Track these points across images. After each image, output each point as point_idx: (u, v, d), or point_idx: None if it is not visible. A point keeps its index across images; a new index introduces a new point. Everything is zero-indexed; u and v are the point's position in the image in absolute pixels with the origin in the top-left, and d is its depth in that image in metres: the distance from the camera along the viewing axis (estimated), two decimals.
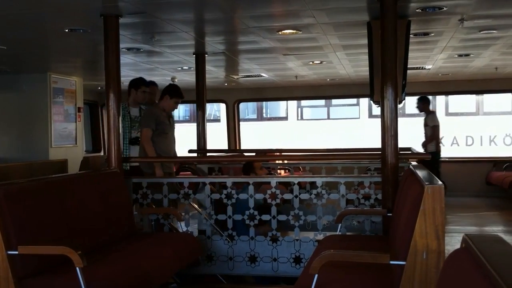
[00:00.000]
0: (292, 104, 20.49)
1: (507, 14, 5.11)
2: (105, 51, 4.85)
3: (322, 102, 20.17)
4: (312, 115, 21.26)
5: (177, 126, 6.62)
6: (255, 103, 20.64)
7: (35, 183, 3.84)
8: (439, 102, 19.09)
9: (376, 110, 21.44)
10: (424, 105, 9.59)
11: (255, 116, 22.09)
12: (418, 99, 9.69)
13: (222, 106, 20.40)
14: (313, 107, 21.09)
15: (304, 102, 20.35)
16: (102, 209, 4.29)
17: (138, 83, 6.30)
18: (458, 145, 18.68)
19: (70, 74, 9.09)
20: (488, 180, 10.02)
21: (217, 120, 20.85)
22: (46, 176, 4.49)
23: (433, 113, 9.77)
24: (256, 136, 19.21)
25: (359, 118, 20.13)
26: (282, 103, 20.97)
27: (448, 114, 19.05)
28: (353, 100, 19.61)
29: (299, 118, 21.15)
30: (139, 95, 6.26)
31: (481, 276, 1.28)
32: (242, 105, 21.19)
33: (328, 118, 20.67)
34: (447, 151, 17.47)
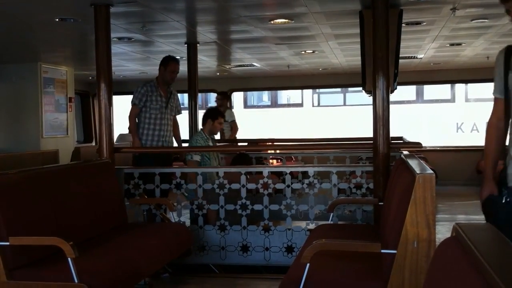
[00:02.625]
0: (308, 90, 20.21)
1: (498, 2, 5.11)
2: (96, 41, 4.81)
3: (338, 88, 19.86)
4: (328, 102, 20.90)
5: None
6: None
7: (26, 174, 3.82)
8: (458, 89, 18.94)
9: (394, 95, 21.49)
10: (223, 101, 9.72)
11: (269, 103, 21.83)
12: (218, 93, 9.92)
13: (235, 94, 20.38)
14: (329, 93, 20.74)
15: (321, 89, 19.96)
16: (94, 199, 4.28)
17: (216, 114, 6.18)
18: (478, 132, 18.35)
19: (61, 64, 9.03)
20: (478, 169, 10.06)
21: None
22: (37, 167, 4.47)
23: (230, 109, 10.16)
24: (270, 123, 19.09)
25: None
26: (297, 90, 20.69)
27: (467, 100, 18.90)
28: None
29: (315, 104, 20.90)
30: (216, 126, 6.16)
31: (471, 264, 1.29)
32: (250, 92, 20.96)
33: (344, 104, 20.38)
34: (466, 138, 17.34)
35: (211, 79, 10.69)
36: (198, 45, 6.90)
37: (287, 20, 5.64)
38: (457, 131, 18.96)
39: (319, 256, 2.94)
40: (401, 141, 6.66)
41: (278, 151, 8.53)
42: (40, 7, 4.99)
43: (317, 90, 20.22)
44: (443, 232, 5.42)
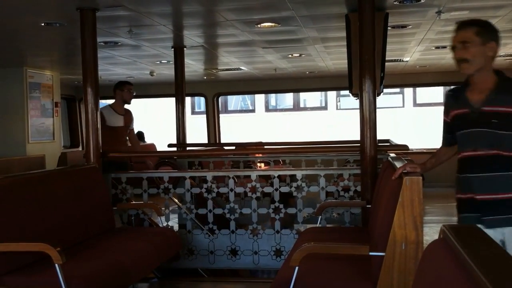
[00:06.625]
0: (332, 93, 19.92)
1: (484, 6, 5.17)
2: (82, 45, 4.79)
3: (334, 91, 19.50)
4: (352, 105, 20.72)
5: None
6: (291, 94, 20.11)
7: (13, 180, 3.80)
8: None
9: (421, 98, 20.86)
10: None
11: (291, 106, 21.61)
12: None
13: (256, 97, 20.16)
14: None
15: (343, 91, 19.57)
16: (81, 204, 4.26)
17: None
18: None
19: (47, 69, 8.96)
20: None
21: (250, 110, 20.64)
22: (24, 172, 4.44)
23: None
24: (293, 126, 18.95)
25: (403, 107, 19.56)
26: (320, 93, 20.37)
27: None
28: (396, 89, 18.35)
29: (339, 107, 20.71)
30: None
31: (458, 266, 1.30)
32: (271, 95, 20.71)
33: None
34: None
35: (198, 83, 10.67)
36: (185, 49, 6.90)
37: (273, 24, 5.64)
38: None
39: (307, 259, 2.94)
40: (388, 144, 6.69)
41: (266, 155, 8.53)
42: (25, 12, 4.95)
43: (341, 93, 20.00)
44: (430, 234, 5.45)
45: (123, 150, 6.11)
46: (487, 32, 2.83)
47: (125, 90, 6.40)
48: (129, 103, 6.49)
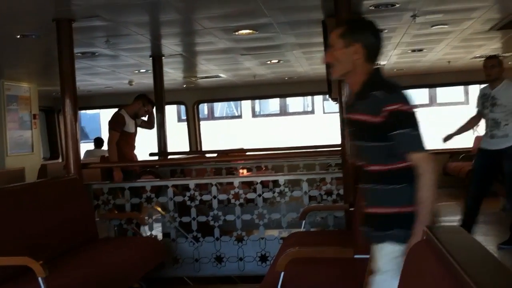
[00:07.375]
0: (318, 97, 19.90)
1: (457, 8, 5.25)
2: (59, 56, 4.75)
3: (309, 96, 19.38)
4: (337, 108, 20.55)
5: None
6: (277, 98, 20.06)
7: None
8: (472, 91, 18.92)
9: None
10: None
11: (278, 111, 21.49)
12: None
13: (243, 102, 20.08)
14: None
15: (287, 97, 19.60)
16: (63, 216, 4.22)
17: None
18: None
19: (24, 81, 8.87)
20: (445, 171, 10.25)
21: (237, 116, 20.59)
22: (3, 185, 4.39)
23: None
24: (280, 131, 18.89)
25: None
26: (306, 97, 20.33)
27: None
28: None
29: (326, 111, 20.67)
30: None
31: (442, 267, 1.32)
32: (257, 101, 20.53)
33: None
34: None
35: (178, 91, 10.65)
36: (163, 57, 6.88)
37: (251, 31, 5.66)
38: (473, 133, 18.89)
39: (293, 264, 2.95)
40: None
41: (248, 161, 8.53)
42: (0, 24, 4.91)
43: (327, 97, 20.02)
44: None
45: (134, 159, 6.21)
46: (352, 33, 2.52)
47: (145, 108, 6.45)
48: (137, 117, 6.49)
